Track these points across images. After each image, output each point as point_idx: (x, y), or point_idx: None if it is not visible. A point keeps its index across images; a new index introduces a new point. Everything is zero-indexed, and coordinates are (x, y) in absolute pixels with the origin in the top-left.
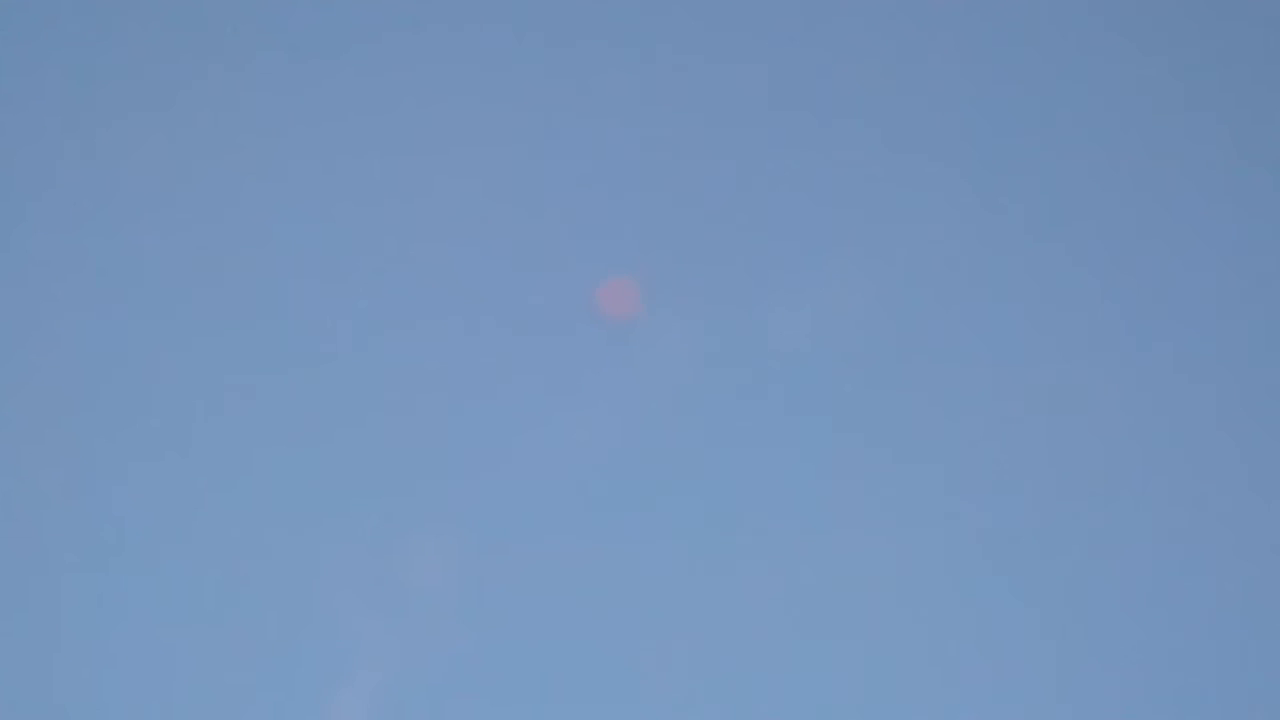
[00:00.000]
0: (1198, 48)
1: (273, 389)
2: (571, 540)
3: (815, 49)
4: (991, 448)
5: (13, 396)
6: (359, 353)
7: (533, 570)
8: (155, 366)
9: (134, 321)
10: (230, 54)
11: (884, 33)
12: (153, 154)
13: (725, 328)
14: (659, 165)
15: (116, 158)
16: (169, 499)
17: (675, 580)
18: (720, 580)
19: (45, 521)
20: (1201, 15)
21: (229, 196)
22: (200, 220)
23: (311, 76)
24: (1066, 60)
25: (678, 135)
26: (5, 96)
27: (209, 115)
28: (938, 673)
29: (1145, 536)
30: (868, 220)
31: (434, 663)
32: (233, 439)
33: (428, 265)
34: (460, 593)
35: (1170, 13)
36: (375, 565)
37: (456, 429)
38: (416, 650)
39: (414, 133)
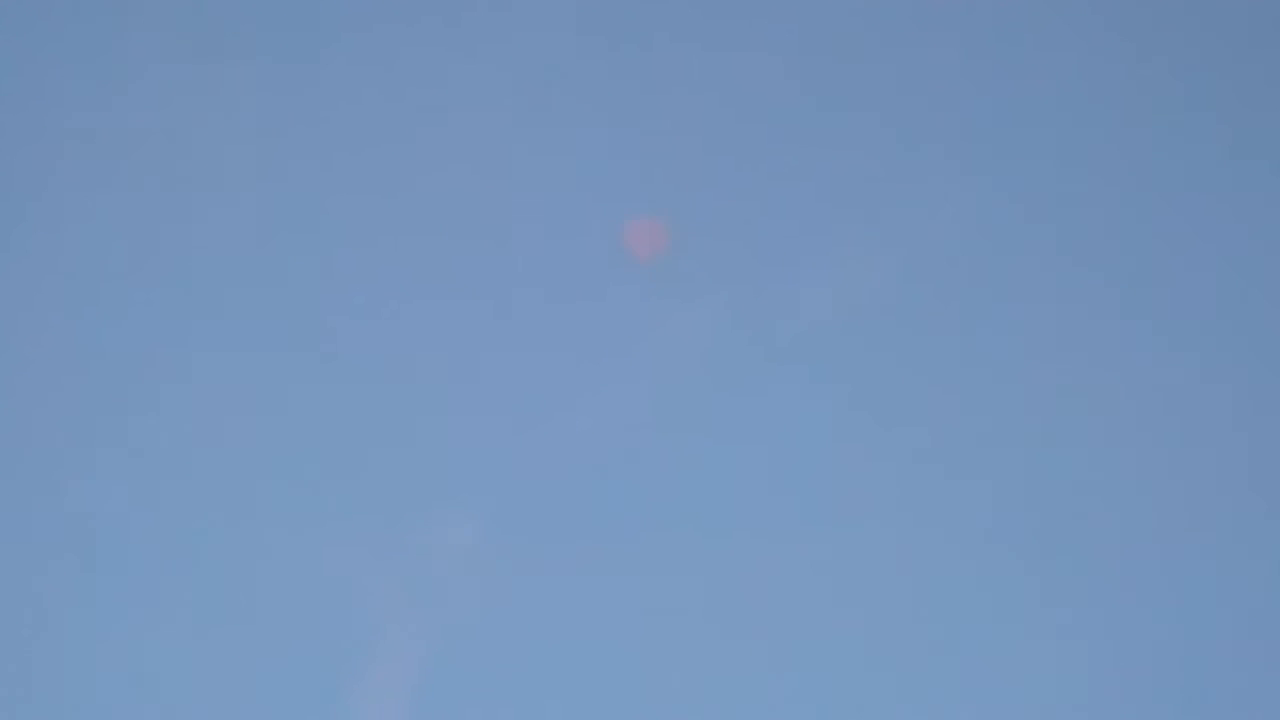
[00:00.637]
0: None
1: (295, 368)
2: (594, 517)
3: (850, 26)
4: (1014, 424)
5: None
6: (380, 329)
7: (557, 543)
8: (186, 348)
9: (163, 304)
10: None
11: (918, 13)
12: (158, 136)
13: (752, 303)
14: (689, 142)
15: (115, 152)
16: (196, 481)
17: (702, 554)
18: (745, 553)
19: (76, 509)
20: None
21: (249, 150)
22: (227, 181)
23: (331, 27)
24: (1095, 41)
25: (707, 113)
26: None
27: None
28: (957, 638)
29: (1173, 509)
30: (895, 196)
31: (460, 641)
32: (258, 422)
33: (458, 238)
34: (487, 566)
35: None
36: (401, 542)
37: (480, 404)
38: (443, 629)
39: (446, 94)
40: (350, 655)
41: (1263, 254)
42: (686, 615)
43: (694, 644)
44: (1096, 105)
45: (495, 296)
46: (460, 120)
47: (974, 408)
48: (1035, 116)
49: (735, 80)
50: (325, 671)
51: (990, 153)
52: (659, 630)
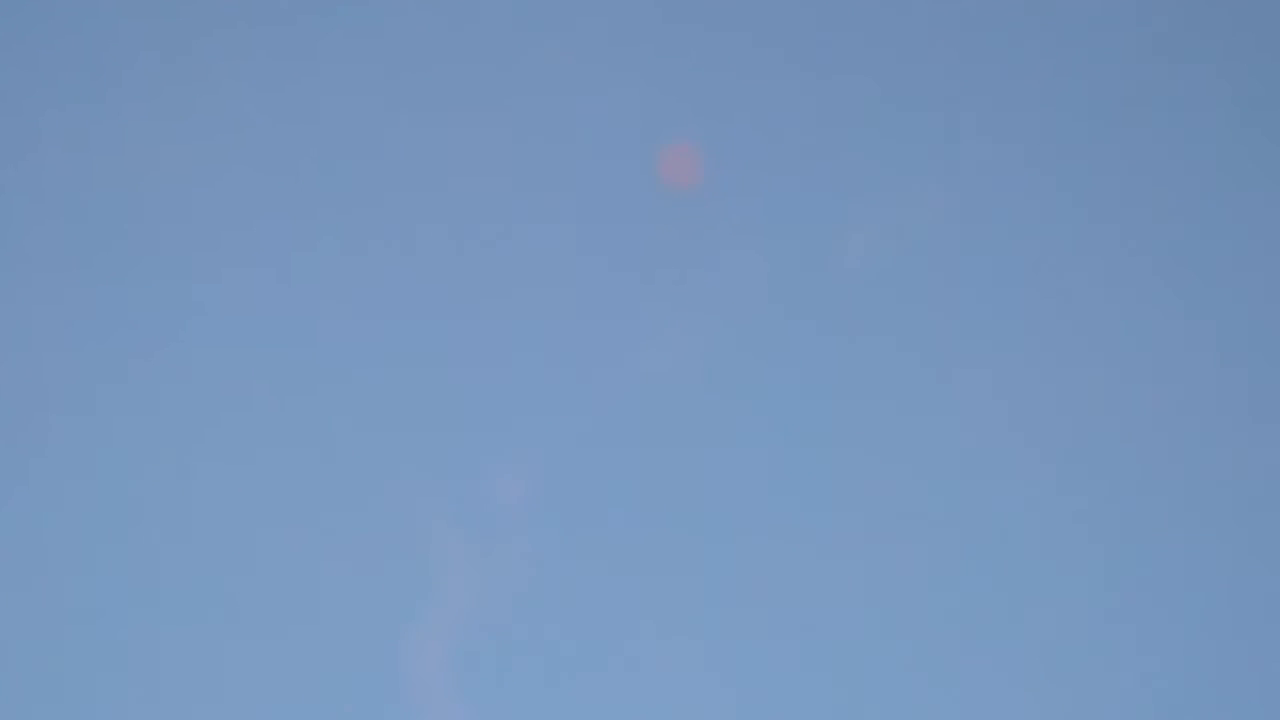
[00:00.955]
0: None
1: (340, 324)
2: (645, 466)
3: None
4: (1066, 368)
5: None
6: (419, 280)
7: (609, 494)
8: (251, 296)
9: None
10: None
11: None
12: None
13: (798, 246)
14: (729, 81)
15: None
16: (259, 424)
17: (756, 503)
18: (800, 501)
19: (136, 453)
20: None
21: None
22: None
23: None
24: None
25: (749, 45)
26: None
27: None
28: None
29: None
30: (943, 133)
31: (515, 587)
32: (317, 370)
33: (489, 177)
34: (539, 513)
35: None
36: (459, 489)
37: (527, 353)
38: (498, 575)
39: (472, 16)
40: (404, 607)
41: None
42: (741, 564)
43: (748, 593)
44: (1151, 49)
45: (532, 241)
46: (485, 46)
47: (1030, 351)
48: (1094, 60)
49: (778, 11)
50: (379, 624)
51: (1048, 95)
52: (713, 580)
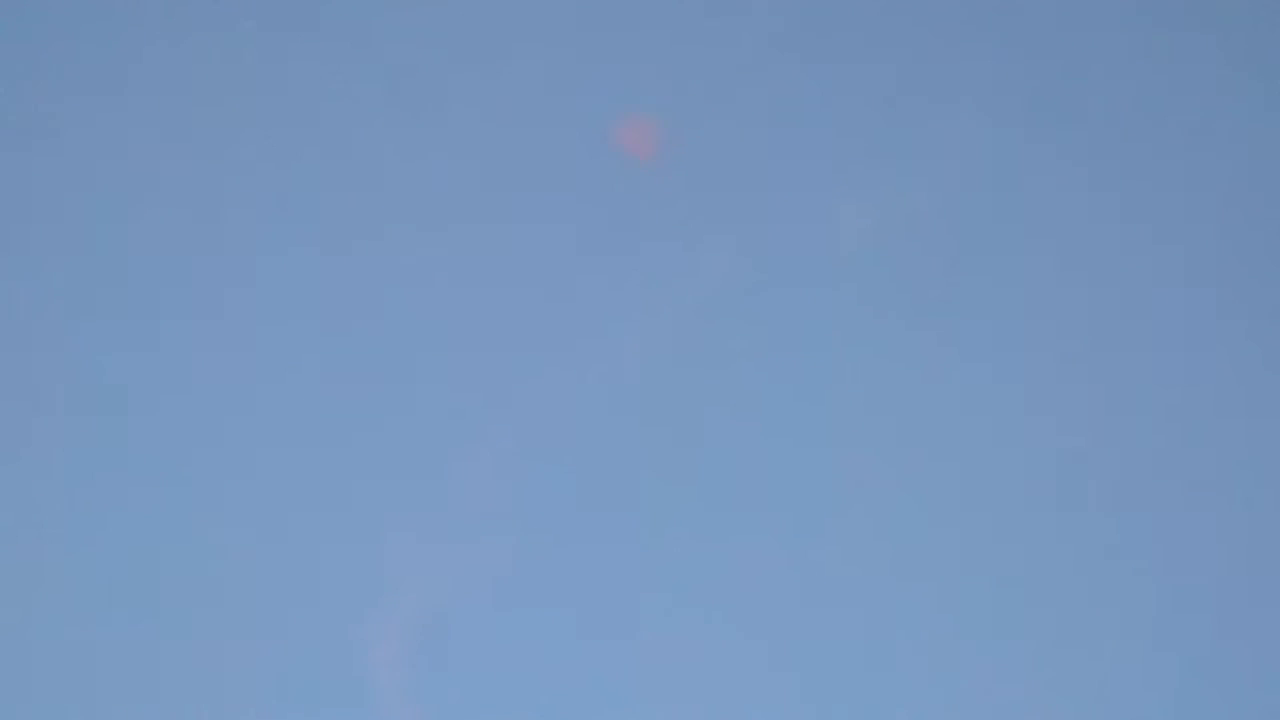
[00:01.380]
0: None
1: (310, 303)
2: (615, 452)
3: None
4: (1053, 351)
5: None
6: (381, 263)
7: (578, 481)
8: (227, 274)
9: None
10: None
11: None
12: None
13: (770, 231)
14: (706, 64)
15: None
16: (219, 420)
17: (730, 492)
18: (775, 489)
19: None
20: None
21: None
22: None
23: None
24: None
25: (725, 37)
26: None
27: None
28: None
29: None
30: (922, 123)
31: (475, 579)
32: (278, 360)
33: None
34: (504, 504)
35: None
36: (418, 485)
37: (492, 339)
38: (457, 568)
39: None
40: (367, 594)
41: None
42: (714, 552)
43: (722, 580)
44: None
45: (498, 226)
46: (448, 19)
47: (1018, 333)
48: (1076, 35)
49: None
50: (341, 610)
51: (1030, 71)
52: (683, 567)
